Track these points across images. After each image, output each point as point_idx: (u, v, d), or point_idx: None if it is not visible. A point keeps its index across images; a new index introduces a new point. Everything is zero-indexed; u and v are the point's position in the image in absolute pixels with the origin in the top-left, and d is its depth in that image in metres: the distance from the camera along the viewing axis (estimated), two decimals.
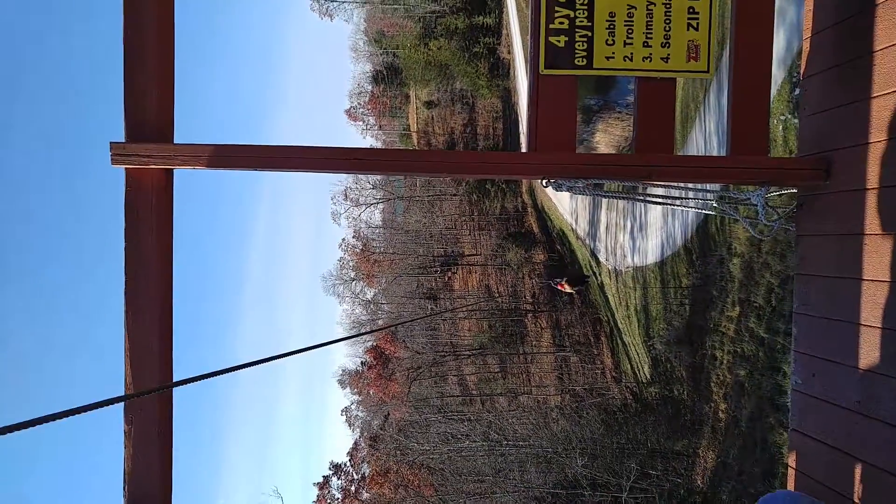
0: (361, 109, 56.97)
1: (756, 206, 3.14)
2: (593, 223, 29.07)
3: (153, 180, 3.03)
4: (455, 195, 43.22)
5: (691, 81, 17.04)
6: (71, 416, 1.57)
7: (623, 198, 3.36)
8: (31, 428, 1.46)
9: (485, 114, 46.76)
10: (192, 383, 1.95)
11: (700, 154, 15.98)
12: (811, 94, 3.21)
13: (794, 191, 3.29)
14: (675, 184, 3.16)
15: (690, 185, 3.23)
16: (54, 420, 1.53)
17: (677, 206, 3.31)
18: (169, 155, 2.96)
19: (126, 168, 3.00)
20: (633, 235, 24.44)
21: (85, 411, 1.60)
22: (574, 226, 31.92)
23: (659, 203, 3.27)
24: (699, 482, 18.79)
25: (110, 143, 2.97)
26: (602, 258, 28.22)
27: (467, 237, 43.17)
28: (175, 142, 3.07)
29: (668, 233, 21.11)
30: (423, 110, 50.11)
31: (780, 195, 3.22)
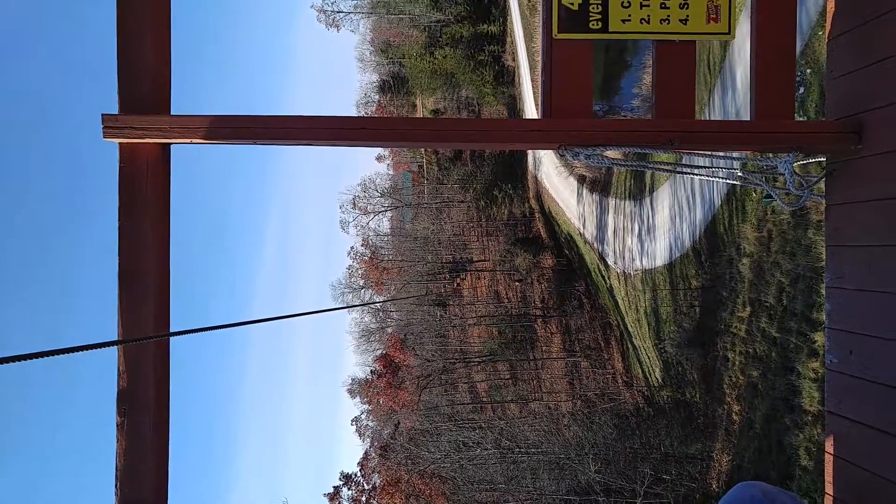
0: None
1: (783, 174, 2.98)
2: (601, 227, 28.90)
3: (148, 155, 2.87)
4: (462, 202, 43.11)
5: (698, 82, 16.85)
6: (62, 355, 1.56)
7: (639, 167, 3.20)
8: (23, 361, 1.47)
9: None
10: (191, 334, 1.85)
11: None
12: (838, 55, 3.05)
13: (822, 160, 3.13)
14: (698, 152, 3.00)
15: (711, 153, 3.06)
16: (47, 356, 1.53)
17: (698, 175, 3.15)
18: (164, 127, 2.81)
19: (119, 142, 2.84)
20: (641, 238, 24.27)
21: (77, 351, 1.54)
22: (582, 230, 31.75)
23: (679, 172, 3.11)
24: (714, 486, 18.53)
25: (102, 114, 2.80)
26: (610, 262, 28.04)
27: (475, 243, 43.00)
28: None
29: (676, 234, 20.93)
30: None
31: (806, 163, 3.05)
